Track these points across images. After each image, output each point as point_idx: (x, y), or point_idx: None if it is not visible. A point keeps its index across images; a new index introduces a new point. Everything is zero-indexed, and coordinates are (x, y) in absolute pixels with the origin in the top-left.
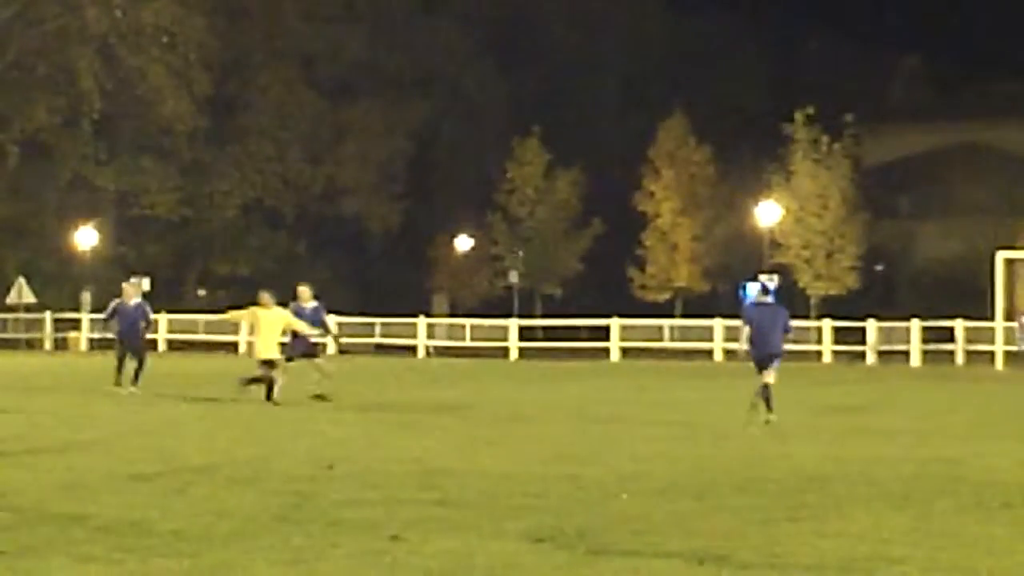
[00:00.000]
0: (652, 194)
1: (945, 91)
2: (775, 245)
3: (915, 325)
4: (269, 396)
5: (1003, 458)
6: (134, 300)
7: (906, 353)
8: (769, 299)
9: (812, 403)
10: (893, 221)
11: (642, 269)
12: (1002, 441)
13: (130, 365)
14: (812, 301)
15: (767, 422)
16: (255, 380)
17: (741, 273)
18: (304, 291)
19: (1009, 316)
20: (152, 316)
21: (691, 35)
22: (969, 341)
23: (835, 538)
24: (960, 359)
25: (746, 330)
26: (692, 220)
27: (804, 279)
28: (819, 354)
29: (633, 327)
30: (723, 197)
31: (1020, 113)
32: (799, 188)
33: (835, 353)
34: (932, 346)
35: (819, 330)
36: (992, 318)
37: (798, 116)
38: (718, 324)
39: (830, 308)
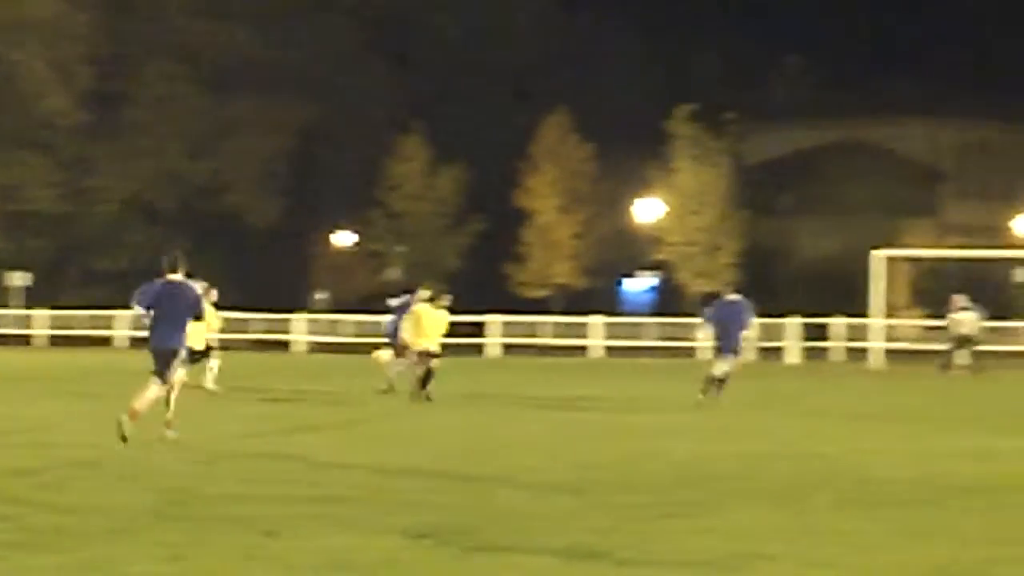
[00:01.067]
0: (533, 191)
1: (826, 90)
2: (656, 242)
3: (793, 322)
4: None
5: (878, 455)
6: None
7: (785, 349)
8: (736, 297)
9: (691, 399)
10: (773, 219)
11: (522, 265)
12: (877, 437)
13: None
14: (694, 298)
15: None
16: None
17: (621, 270)
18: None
19: (888, 314)
20: None
21: (574, 32)
22: (847, 339)
23: (711, 535)
24: (837, 356)
25: (708, 325)
26: (572, 217)
27: (684, 276)
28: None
29: (512, 323)
30: (604, 194)
31: (900, 112)
32: (680, 185)
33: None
34: (810, 343)
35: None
36: (869, 315)
37: (680, 113)
38: (596, 321)
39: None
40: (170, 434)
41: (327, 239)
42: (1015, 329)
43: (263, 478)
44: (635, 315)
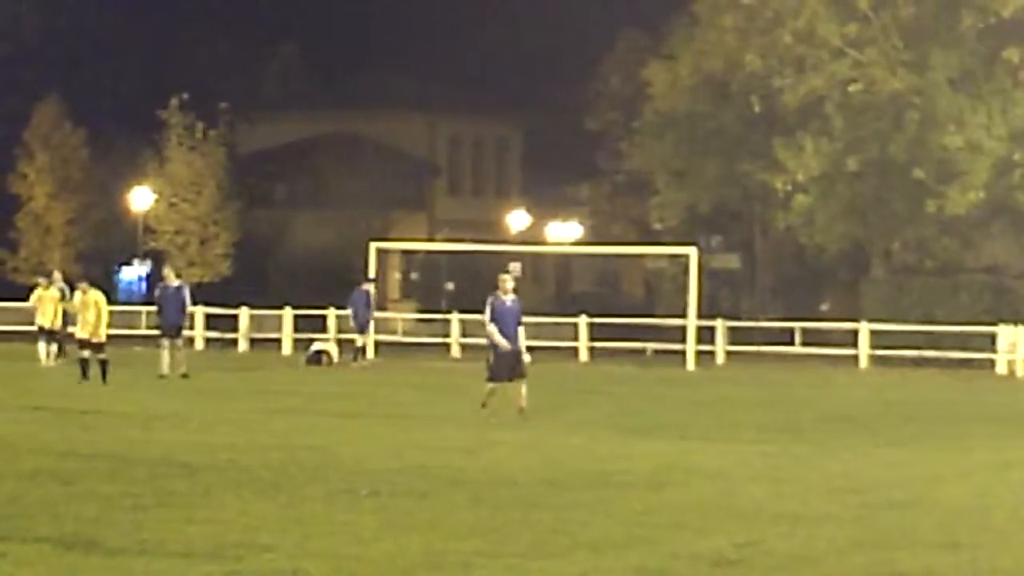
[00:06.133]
0: (26, 177)
1: (322, 81)
2: (149, 231)
3: (287, 313)
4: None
5: (369, 446)
6: None
7: (278, 340)
8: (178, 282)
9: (187, 389)
10: (267, 210)
11: (15, 252)
12: (368, 430)
13: None
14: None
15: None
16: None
17: (117, 258)
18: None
19: (380, 306)
20: None
21: (68, 18)
22: (341, 330)
23: (204, 524)
24: (333, 349)
25: (493, 326)
26: (66, 204)
27: (178, 265)
28: (192, 340)
29: (7, 309)
30: (98, 181)
31: (396, 106)
32: (173, 174)
33: (207, 340)
34: (301, 334)
35: (192, 316)
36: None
37: (173, 102)
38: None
39: (204, 295)
40: None
41: None
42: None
43: None
44: (130, 304)
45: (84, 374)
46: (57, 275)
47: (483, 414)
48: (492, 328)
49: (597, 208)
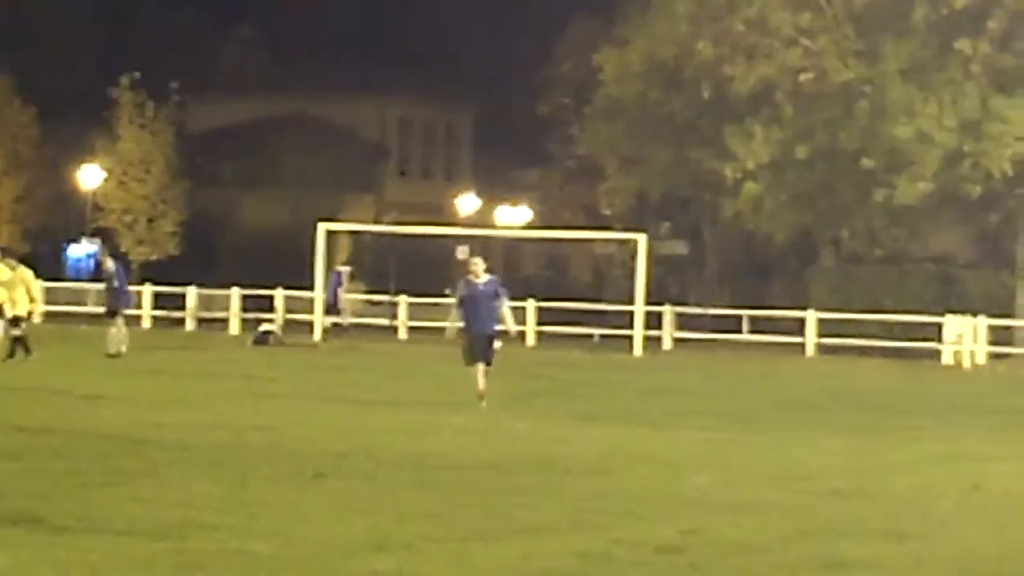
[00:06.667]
0: None
1: (277, 62)
2: (98, 209)
3: (235, 293)
4: None
5: (317, 427)
6: None
7: (226, 320)
8: (485, 277)
9: (130, 367)
10: (217, 189)
11: None
12: (317, 408)
13: None
14: (134, 266)
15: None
16: None
17: (65, 236)
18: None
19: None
20: None
21: None
22: (288, 311)
23: (149, 503)
24: (279, 330)
25: (458, 310)
26: (15, 181)
27: (126, 243)
28: (139, 319)
29: None
30: (47, 159)
31: (346, 87)
32: (123, 153)
33: (154, 319)
34: (251, 314)
35: (140, 295)
36: (312, 288)
37: (124, 80)
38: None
39: (152, 273)
40: None
41: None
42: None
43: None
44: (78, 281)
45: (27, 350)
46: None
47: (481, 404)
48: (455, 312)
49: (547, 193)
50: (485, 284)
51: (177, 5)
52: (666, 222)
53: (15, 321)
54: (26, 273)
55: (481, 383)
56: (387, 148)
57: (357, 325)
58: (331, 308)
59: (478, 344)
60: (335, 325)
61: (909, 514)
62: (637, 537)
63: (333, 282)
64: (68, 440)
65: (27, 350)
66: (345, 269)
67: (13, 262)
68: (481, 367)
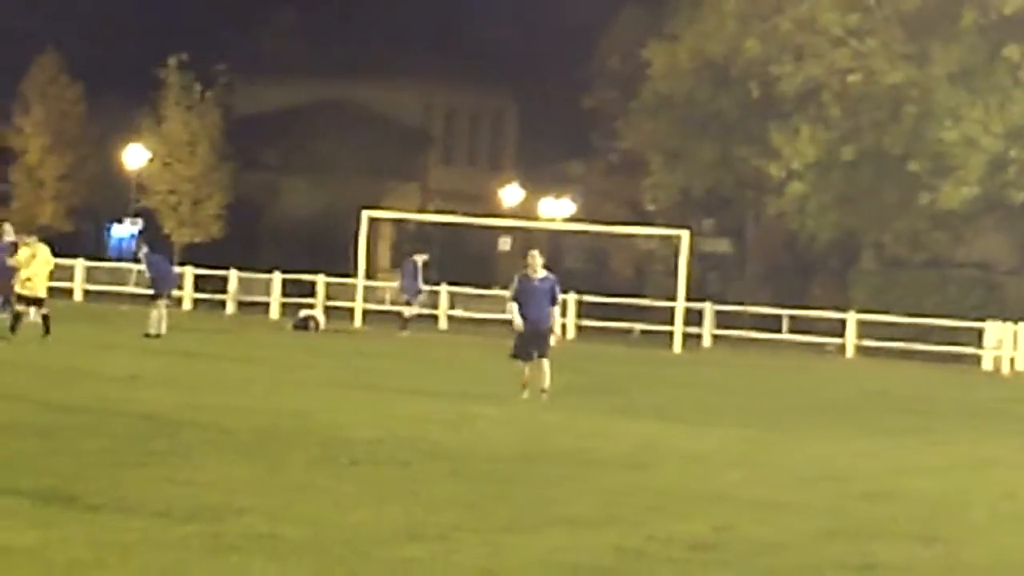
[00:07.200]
0: (21, 130)
1: (317, 47)
2: (142, 189)
3: (277, 277)
4: None
5: (353, 414)
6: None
7: (266, 304)
8: (542, 273)
9: (169, 348)
10: (260, 173)
11: (6, 205)
12: (354, 395)
13: None
14: (176, 248)
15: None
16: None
17: (109, 215)
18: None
19: (370, 275)
20: None
21: None
22: (329, 297)
23: (184, 485)
24: (321, 316)
25: (513, 304)
26: (60, 158)
27: (169, 225)
28: (180, 301)
29: None
30: (93, 137)
31: (391, 74)
32: (169, 134)
33: (196, 301)
34: (292, 299)
35: (182, 277)
36: (355, 275)
37: (172, 62)
38: (80, 265)
39: (194, 255)
40: None
41: None
42: (496, 297)
43: None
44: (121, 261)
45: (13, 329)
46: (8, 227)
47: (523, 396)
48: (511, 306)
49: (590, 186)
50: (541, 280)
51: None
52: (709, 219)
53: (38, 302)
54: (43, 251)
55: (527, 373)
56: (431, 135)
57: (396, 313)
58: (411, 298)
59: (532, 338)
60: (401, 316)
61: (941, 518)
62: (670, 533)
63: (410, 271)
64: (103, 420)
65: (12, 329)
66: (421, 258)
67: (32, 240)
68: (535, 361)
